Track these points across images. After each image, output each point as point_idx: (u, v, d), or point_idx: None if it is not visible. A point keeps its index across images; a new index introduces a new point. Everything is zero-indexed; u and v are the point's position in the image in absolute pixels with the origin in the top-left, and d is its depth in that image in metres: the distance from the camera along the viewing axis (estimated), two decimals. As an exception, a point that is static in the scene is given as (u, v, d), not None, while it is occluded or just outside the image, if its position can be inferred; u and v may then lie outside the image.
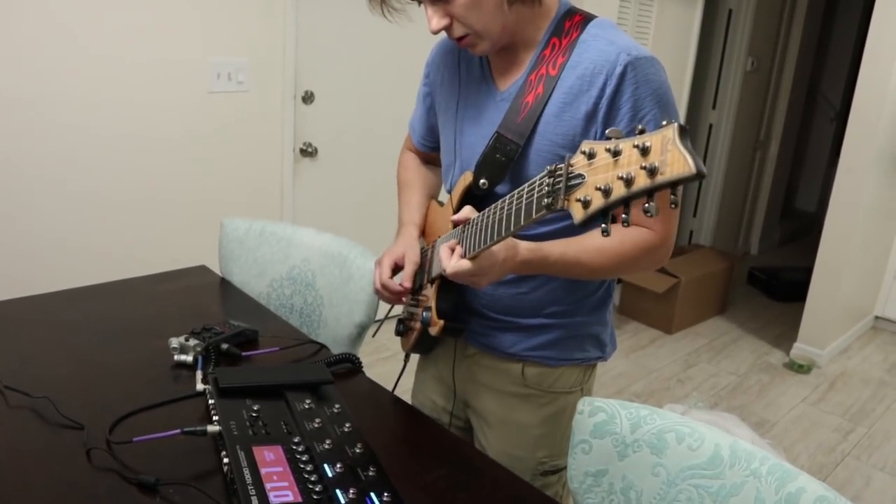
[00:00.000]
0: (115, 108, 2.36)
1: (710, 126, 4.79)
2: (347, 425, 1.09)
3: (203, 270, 1.82)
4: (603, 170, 0.70)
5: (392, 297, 1.23)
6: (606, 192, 0.68)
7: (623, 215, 0.68)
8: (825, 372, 3.46)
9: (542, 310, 1.19)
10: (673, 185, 0.63)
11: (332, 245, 1.68)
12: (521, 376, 1.23)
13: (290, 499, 0.90)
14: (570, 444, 1.03)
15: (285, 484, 0.93)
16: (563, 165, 0.76)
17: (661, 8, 3.66)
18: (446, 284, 1.17)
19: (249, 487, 0.91)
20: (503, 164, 1.09)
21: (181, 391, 1.21)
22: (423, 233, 1.35)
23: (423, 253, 1.29)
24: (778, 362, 3.55)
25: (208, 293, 1.71)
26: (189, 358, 1.31)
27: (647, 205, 0.65)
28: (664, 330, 3.83)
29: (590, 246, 1.06)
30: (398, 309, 1.43)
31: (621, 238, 1.07)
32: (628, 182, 0.65)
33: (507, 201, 0.90)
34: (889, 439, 2.86)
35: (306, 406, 1.13)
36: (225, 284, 1.76)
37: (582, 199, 0.71)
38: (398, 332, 1.40)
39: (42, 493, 0.95)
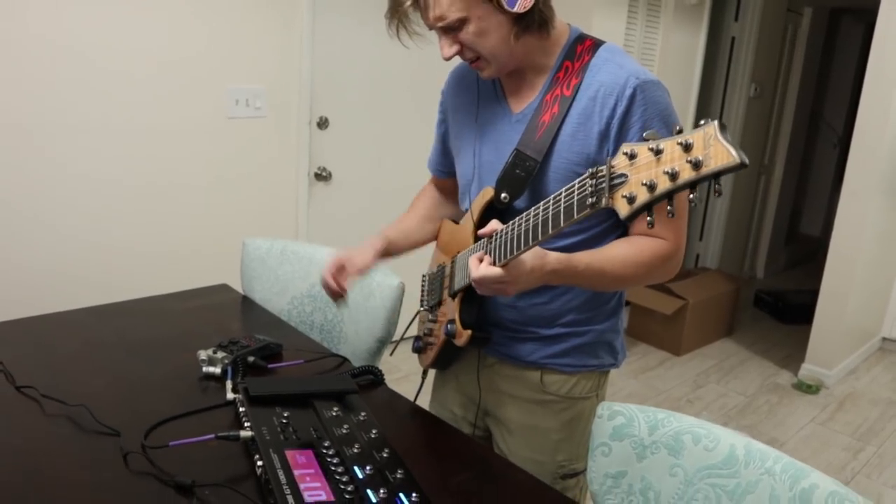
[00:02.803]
0: (140, 133, 2.44)
1: (715, 151, 4.85)
2: (374, 431, 1.13)
3: (225, 289, 1.88)
4: (645, 168, 0.76)
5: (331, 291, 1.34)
6: (651, 187, 0.74)
7: (668, 207, 0.74)
8: (833, 392, 3.47)
9: (560, 319, 1.24)
10: (717, 175, 0.69)
11: (352, 263, 1.73)
12: (539, 383, 1.27)
13: (324, 498, 0.94)
14: (590, 447, 1.07)
15: (318, 484, 0.97)
16: (604, 167, 0.82)
17: (667, 36, 3.75)
18: (469, 297, 1.22)
19: (284, 487, 0.95)
20: (522, 179, 1.15)
21: (211, 401, 1.26)
22: (437, 249, 1.41)
23: (441, 270, 1.34)
24: (786, 383, 3.57)
25: (231, 310, 1.76)
26: (217, 370, 1.36)
27: (691, 195, 0.72)
28: (673, 351, 3.86)
29: (613, 256, 1.12)
30: (413, 331, 1.48)
31: (640, 248, 1.13)
32: (673, 176, 0.72)
33: (540, 208, 0.96)
34: (899, 459, 2.87)
35: (334, 413, 1.18)
36: (247, 302, 1.81)
37: (627, 195, 0.77)
38: (416, 350, 1.45)
39: (83, 496, 0.99)
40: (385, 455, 1.07)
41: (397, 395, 1.37)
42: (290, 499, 0.93)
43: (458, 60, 1.21)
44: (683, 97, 4.08)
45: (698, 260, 5.10)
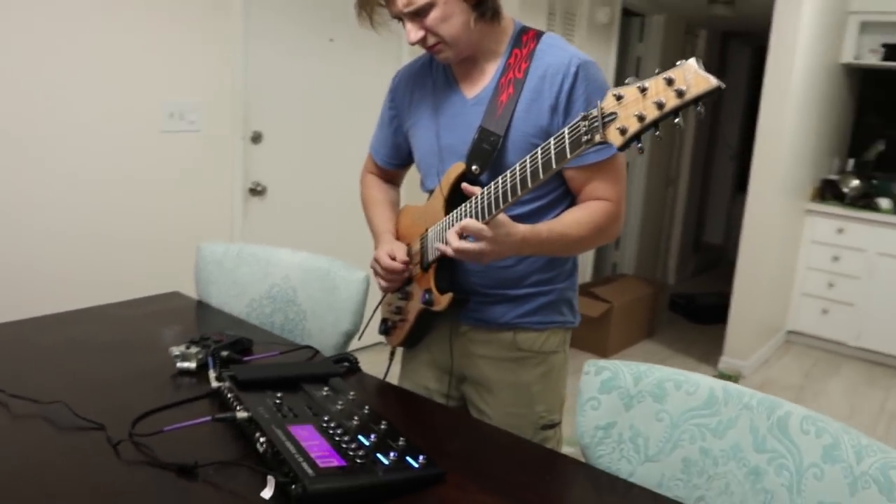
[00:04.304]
0: (72, 145, 2.35)
1: (628, 164, 5.13)
2: (366, 408, 1.15)
3: (177, 296, 1.83)
4: (633, 104, 0.90)
5: (394, 276, 1.38)
6: (641, 118, 0.88)
7: (657, 133, 0.89)
8: (751, 380, 3.72)
9: (527, 280, 1.35)
10: (698, 100, 0.84)
11: (312, 261, 1.74)
12: (513, 342, 1.37)
13: (337, 463, 0.96)
14: (579, 402, 1.13)
15: (326, 453, 0.98)
16: (595, 109, 0.95)
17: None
18: (442, 266, 1.31)
19: (296, 456, 0.96)
20: (488, 152, 1.27)
21: (192, 393, 1.23)
22: (399, 237, 1.49)
23: (408, 250, 1.41)
24: (708, 375, 3.78)
25: (189, 314, 1.73)
26: (192, 364, 1.34)
27: (676, 121, 0.86)
28: (600, 353, 4.01)
29: (570, 220, 1.26)
30: (374, 337, 1.52)
31: (591, 210, 1.27)
32: (660, 105, 0.86)
33: (527, 161, 1.07)
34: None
35: (324, 394, 1.19)
36: (203, 306, 1.78)
37: (620, 127, 0.90)
38: (384, 331, 1.51)
39: (80, 490, 0.95)
40: (383, 427, 1.09)
41: (373, 378, 1.39)
42: (304, 465, 0.93)
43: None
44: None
45: (615, 268, 5.34)
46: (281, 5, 2.88)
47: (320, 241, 3.20)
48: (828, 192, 4.24)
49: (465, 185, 1.18)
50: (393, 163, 1.57)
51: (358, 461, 0.97)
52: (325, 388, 1.20)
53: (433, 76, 1.41)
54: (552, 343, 1.39)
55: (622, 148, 0.91)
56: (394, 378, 1.54)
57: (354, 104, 3.24)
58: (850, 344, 4.11)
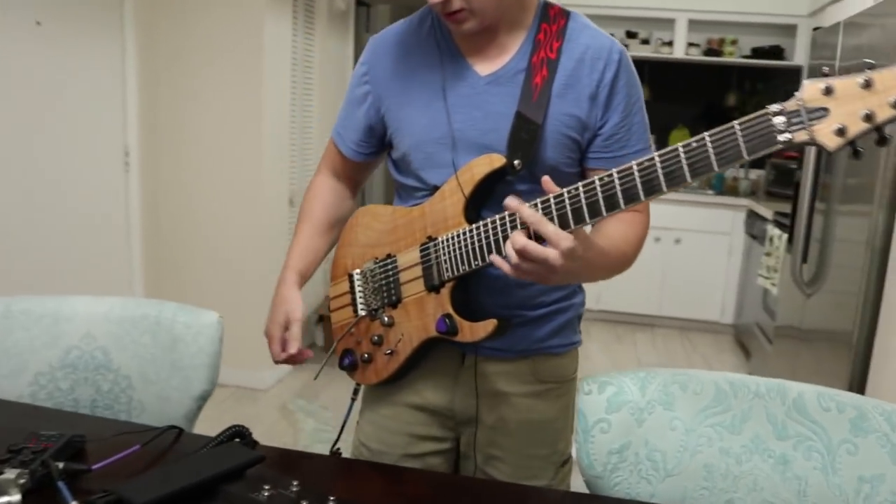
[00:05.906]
0: None
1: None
2: (331, 498, 0.86)
3: None
4: (853, 99, 0.75)
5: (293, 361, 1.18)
6: (869, 117, 0.73)
7: (885, 135, 0.74)
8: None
9: (545, 298, 1.16)
10: None
11: (129, 309, 1.31)
12: (533, 373, 1.18)
13: None
14: (582, 428, 0.98)
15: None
16: (792, 102, 0.77)
17: (323, 44, 3.76)
18: (459, 288, 1.06)
19: None
20: (527, 142, 1.07)
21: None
22: (350, 249, 1.21)
23: (391, 261, 1.13)
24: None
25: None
26: (16, 497, 0.88)
27: None
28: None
29: (619, 236, 1.08)
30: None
31: (633, 224, 1.11)
32: None
33: (657, 160, 0.85)
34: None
35: (266, 494, 0.86)
36: (-42, 397, 1.22)
37: (836, 127, 0.74)
38: (348, 366, 1.19)
39: None
40: (371, 519, 0.82)
41: (295, 452, 1.08)
42: None
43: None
44: (336, 100, 4.14)
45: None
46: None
47: (62, 282, 2.54)
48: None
49: (546, 179, 0.90)
50: (363, 152, 1.25)
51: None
52: (266, 486, 0.87)
53: (436, 42, 1.13)
54: (571, 368, 1.23)
55: (836, 151, 0.76)
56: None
57: (74, 98, 2.60)
58: (593, 308, 4.58)
